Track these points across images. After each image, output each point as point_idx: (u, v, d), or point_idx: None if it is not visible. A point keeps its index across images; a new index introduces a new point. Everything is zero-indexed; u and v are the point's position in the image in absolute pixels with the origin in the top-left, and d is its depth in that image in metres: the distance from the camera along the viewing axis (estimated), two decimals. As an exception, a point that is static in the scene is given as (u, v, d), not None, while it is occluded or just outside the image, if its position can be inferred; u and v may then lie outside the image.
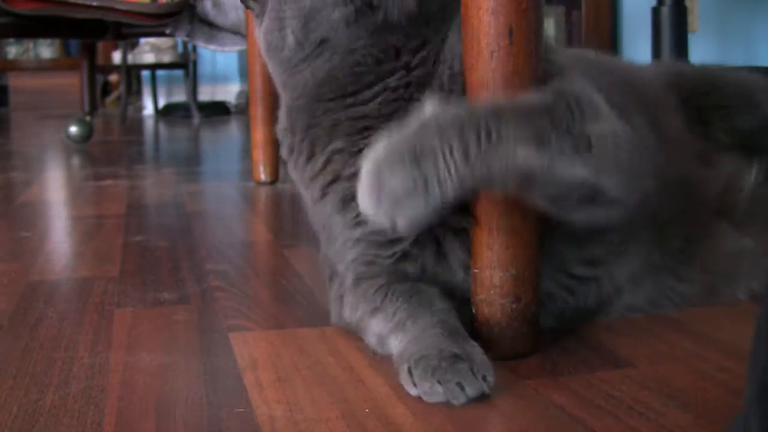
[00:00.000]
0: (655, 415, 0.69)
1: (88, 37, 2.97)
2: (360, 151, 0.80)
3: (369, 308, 0.83)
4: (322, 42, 0.79)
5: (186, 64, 4.45)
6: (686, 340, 0.86)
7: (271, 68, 0.85)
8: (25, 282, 1.17)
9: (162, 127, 4.01)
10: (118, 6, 2.42)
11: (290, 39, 0.79)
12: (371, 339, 0.83)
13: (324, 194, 0.85)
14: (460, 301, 0.82)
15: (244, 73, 4.36)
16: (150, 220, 1.69)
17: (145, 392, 0.78)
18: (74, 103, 3.70)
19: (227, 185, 2.07)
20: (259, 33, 0.83)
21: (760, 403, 0.39)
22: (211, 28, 2.46)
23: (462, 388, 0.71)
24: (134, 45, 4.44)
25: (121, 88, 4.40)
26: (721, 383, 0.75)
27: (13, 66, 5.28)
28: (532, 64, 0.78)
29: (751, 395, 0.40)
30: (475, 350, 0.74)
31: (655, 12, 2.33)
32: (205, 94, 4.79)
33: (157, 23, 2.47)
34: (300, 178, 0.88)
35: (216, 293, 1.09)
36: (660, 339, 0.87)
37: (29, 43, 5.38)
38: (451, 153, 0.68)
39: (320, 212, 0.87)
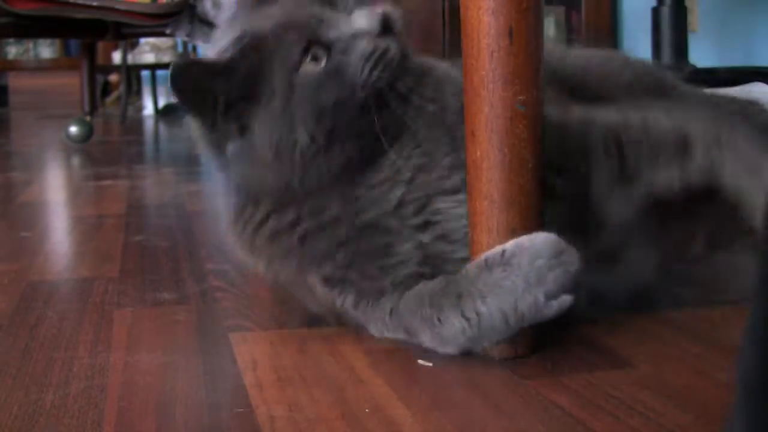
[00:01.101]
0: (655, 415, 0.69)
1: (88, 37, 2.97)
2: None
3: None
4: (333, 132, 0.79)
5: (186, 64, 4.44)
6: (686, 340, 0.86)
7: (274, 175, 0.81)
8: (25, 282, 1.17)
9: (162, 127, 4.01)
10: (118, 6, 2.42)
11: (303, 137, 0.78)
12: None
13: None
14: None
15: (244, 73, 4.35)
16: (150, 220, 1.69)
17: (145, 392, 0.78)
18: (74, 103, 3.69)
19: (227, 185, 2.07)
20: (244, 150, 0.79)
21: (746, 405, 0.39)
22: (211, 28, 2.46)
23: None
24: (134, 45, 4.44)
25: (121, 88, 4.40)
26: (721, 383, 0.75)
27: (13, 66, 5.29)
28: (532, 64, 0.78)
29: (737, 396, 0.40)
30: None
31: (655, 12, 2.33)
32: (205, 94, 4.78)
33: (157, 23, 2.47)
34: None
35: (216, 293, 1.09)
36: (660, 339, 0.87)
37: (29, 43, 5.38)
38: None
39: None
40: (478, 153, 0.79)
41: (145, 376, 0.82)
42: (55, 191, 2.15)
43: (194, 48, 4.44)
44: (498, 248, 0.78)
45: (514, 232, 0.79)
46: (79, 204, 1.89)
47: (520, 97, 0.78)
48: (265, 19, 0.82)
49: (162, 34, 2.71)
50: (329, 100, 0.78)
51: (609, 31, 4.06)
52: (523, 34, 0.77)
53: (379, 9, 0.82)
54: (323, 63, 0.78)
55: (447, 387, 0.77)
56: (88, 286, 1.15)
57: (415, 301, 0.82)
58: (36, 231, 1.55)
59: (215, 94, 0.79)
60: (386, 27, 0.81)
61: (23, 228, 1.57)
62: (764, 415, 0.38)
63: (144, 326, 0.96)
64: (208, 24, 2.45)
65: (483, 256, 0.79)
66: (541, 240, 0.77)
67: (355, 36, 0.80)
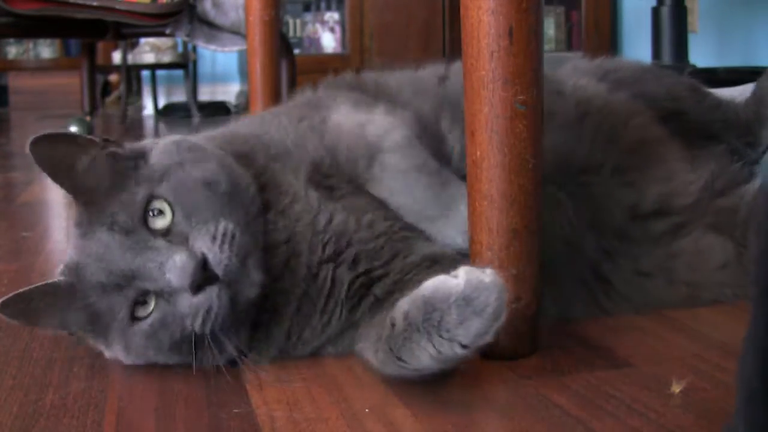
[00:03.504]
0: (655, 415, 0.69)
1: (88, 37, 2.97)
2: None
3: None
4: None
5: (186, 64, 4.45)
6: (686, 340, 0.86)
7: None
8: (25, 282, 1.17)
9: (162, 127, 4.01)
10: (118, 6, 2.42)
11: (160, 358, 0.81)
12: None
13: None
14: None
15: (244, 73, 4.36)
16: (150, 220, 1.68)
17: (145, 392, 0.78)
18: (74, 103, 3.70)
19: (227, 185, 2.07)
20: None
21: (746, 411, 0.39)
22: (211, 28, 2.46)
23: None
24: (134, 45, 4.45)
25: (121, 88, 4.40)
26: (721, 383, 0.75)
27: (13, 66, 5.29)
28: (532, 64, 0.78)
29: (738, 403, 0.40)
30: None
31: (655, 12, 2.33)
32: (205, 94, 4.79)
33: (157, 23, 2.47)
34: None
35: (216, 293, 1.09)
36: (660, 339, 0.87)
37: (29, 43, 5.39)
38: None
39: None
40: (478, 153, 0.79)
41: (145, 376, 0.82)
42: (55, 191, 2.15)
43: (194, 48, 4.44)
44: (404, 302, 0.73)
45: (514, 232, 0.79)
46: (79, 204, 1.88)
47: (520, 97, 0.78)
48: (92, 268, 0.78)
49: (162, 34, 2.71)
50: (165, 343, 0.78)
51: (609, 31, 4.06)
52: (523, 34, 0.77)
53: (201, 244, 0.76)
54: (151, 308, 0.77)
55: (447, 387, 0.77)
56: (88, 286, 1.15)
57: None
58: (36, 231, 1.55)
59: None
60: (199, 284, 0.75)
61: (23, 228, 1.57)
62: (765, 423, 0.38)
63: (144, 326, 0.96)
64: (208, 24, 2.46)
65: (395, 312, 0.73)
66: (442, 290, 0.70)
67: (173, 292, 0.76)
